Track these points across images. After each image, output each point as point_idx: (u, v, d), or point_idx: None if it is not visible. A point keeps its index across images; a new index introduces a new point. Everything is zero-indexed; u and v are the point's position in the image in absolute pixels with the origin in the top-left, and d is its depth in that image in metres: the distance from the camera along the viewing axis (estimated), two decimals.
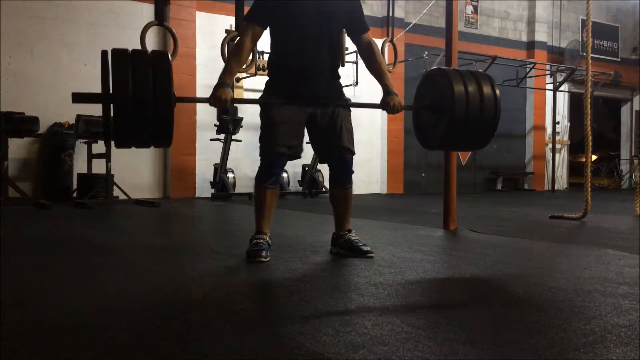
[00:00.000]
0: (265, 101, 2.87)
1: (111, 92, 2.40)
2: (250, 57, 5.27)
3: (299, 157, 2.92)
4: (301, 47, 2.79)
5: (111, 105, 2.41)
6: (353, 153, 2.94)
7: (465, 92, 2.78)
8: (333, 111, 2.87)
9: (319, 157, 3.14)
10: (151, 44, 5.25)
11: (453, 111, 2.77)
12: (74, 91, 2.54)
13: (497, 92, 2.86)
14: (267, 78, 2.97)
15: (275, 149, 2.81)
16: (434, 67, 3.15)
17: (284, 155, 2.84)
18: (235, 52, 2.83)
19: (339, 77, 2.98)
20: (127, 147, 2.56)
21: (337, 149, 2.90)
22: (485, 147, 3.03)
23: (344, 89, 3.03)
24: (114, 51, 2.46)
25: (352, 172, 2.98)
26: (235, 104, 7.55)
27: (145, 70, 2.42)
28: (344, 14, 2.87)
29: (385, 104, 2.87)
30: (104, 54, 2.45)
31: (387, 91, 2.89)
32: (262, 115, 2.89)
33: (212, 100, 2.73)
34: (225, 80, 2.74)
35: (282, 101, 2.81)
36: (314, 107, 2.84)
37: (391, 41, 5.43)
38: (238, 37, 2.85)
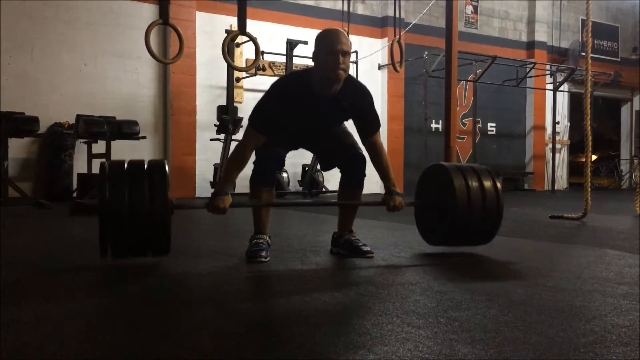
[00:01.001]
0: (262, 156, 2.86)
1: (107, 204, 2.40)
2: (254, 52, 5.25)
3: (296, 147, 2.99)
4: (301, 133, 2.91)
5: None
6: (362, 152, 2.96)
7: (466, 188, 2.84)
8: (334, 132, 2.95)
9: (325, 166, 3.14)
10: (153, 44, 5.23)
11: (456, 207, 2.83)
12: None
13: (499, 185, 2.91)
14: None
15: (271, 147, 2.82)
16: (434, 164, 3.19)
17: (278, 155, 2.86)
18: (236, 160, 2.76)
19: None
20: (124, 258, 2.57)
21: (347, 151, 2.93)
22: (491, 240, 3.05)
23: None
24: (111, 163, 2.50)
25: (365, 175, 3.00)
26: (234, 102, 7.57)
27: (141, 181, 2.44)
28: (355, 117, 2.86)
29: (387, 204, 2.93)
30: (102, 165, 2.48)
31: (389, 191, 2.94)
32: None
33: (211, 208, 2.72)
34: (225, 189, 2.72)
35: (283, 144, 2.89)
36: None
37: (398, 41, 5.43)
38: (239, 143, 2.81)
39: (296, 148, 3.06)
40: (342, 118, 2.89)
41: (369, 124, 2.88)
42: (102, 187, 2.42)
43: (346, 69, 2.66)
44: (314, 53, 2.71)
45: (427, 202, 3.09)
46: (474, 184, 2.86)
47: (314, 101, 2.72)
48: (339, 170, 3.01)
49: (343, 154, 2.94)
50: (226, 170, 2.84)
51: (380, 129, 2.96)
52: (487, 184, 2.88)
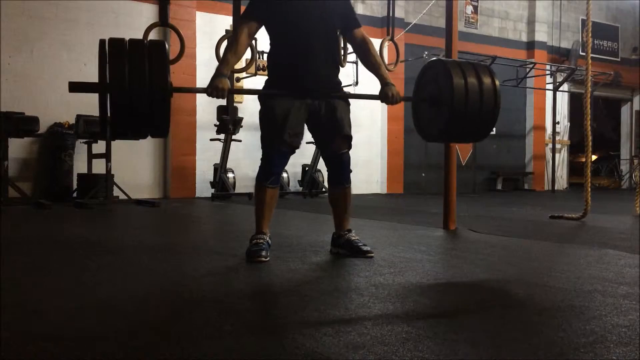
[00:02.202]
0: (264, 92, 2.87)
1: (108, 81, 2.39)
2: (250, 55, 5.27)
3: (298, 146, 2.90)
4: (297, 42, 2.81)
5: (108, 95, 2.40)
6: (350, 145, 2.93)
7: (464, 84, 2.77)
8: (333, 104, 2.89)
9: (320, 150, 3.13)
10: None
11: (452, 103, 2.77)
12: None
13: (497, 82, 2.86)
14: (267, 78, 2.98)
15: (276, 143, 2.81)
16: (433, 59, 3.14)
17: (285, 148, 2.83)
18: (231, 44, 2.83)
19: (337, 73, 3.00)
20: (123, 137, 2.55)
21: (337, 141, 2.90)
22: (485, 138, 3.01)
23: (344, 89, 3.04)
24: (111, 41, 2.45)
25: (350, 171, 2.99)
26: (234, 102, 7.57)
27: (142, 60, 2.41)
28: (336, 13, 2.89)
29: (384, 95, 2.89)
30: (102, 43, 2.43)
31: (384, 82, 2.90)
32: (261, 110, 2.91)
33: (210, 90, 2.73)
34: (222, 71, 2.75)
35: (282, 92, 2.82)
36: (313, 100, 2.85)
37: (392, 40, 5.41)
38: (233, 32, 2.84)
39: (302, 125, 2.91)
40: (329, 11, 2.85)
41: (352, 15, 2.95)
42: (102, 64, 2.38)
43: None
44: None
45: (424, 96, 3.01)
46: (472, 79, 2.81)
47: None
48: (326, 166, 3.01)
49: (331, 149, 2.92)
50: (224, 54, 2.86)
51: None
52: (486, 80, 2.84)
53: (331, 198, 3.04)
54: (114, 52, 2.42)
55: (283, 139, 2.80)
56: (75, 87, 2.52)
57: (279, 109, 2.80)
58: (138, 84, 2.38)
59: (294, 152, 2.90)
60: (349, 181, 2.99)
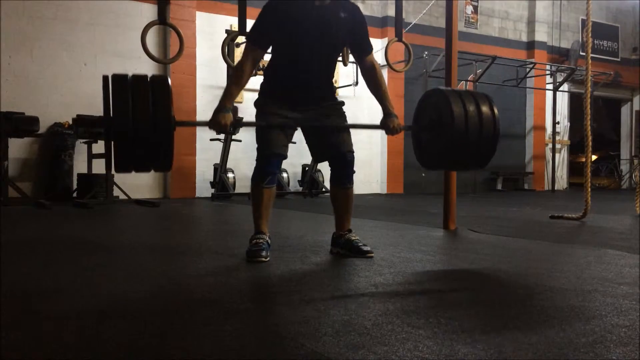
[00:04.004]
0: (262, 124, 2.87)
1: (112, 116, 2.39)
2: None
3: (285, 157, 2.93)
4: (299, 65, 2.82)
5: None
6: (353, 152, 2.96)
7: (464, 111, 2.79)
8: (328, 115, 2.92)
9: (316, 157, 3.14)
10: (152, 44, 5.23)
11: (452, 130, 2.78)
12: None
13: (496, 111, 2.87)
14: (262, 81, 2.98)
15: (273, 148, 2.83)
16: (432, 88, 3.16)
17: (280, 152, 2.86)
18: (236, 76, 2.81)
19: (334, 92, 3.05)
20: (127, 171, 2.55)
21: (338, 148, 2.91)
22: (485, 167, 3.02)
23: (344, 87, 3.05)
24: (114, 77, 2.47)
25: (354, 171, 2.99)
26: (235, 126, 7.57)
27: (145, 95, 2.42)
28: (348, 36, 2.88)
29: (385, 126, 2.91)
30: (105, 79, 2.45)
31: (387, 113, 2.92)
32: (257, 118, 2.93)
33: (212, 124, 2.73)
34: (226, 105, 2.73)
35: (278, 124, 2.84)
36: (308, 120, 2.89)
37: (401, 40, 5.39)
38: (239, 60, 2.85)
39: (293, 129, 2.99)
40: (340, 33, 2.84)
41: (365, 40, 2.92)
42: (106, 100, 2.40)
43: None
44: None
45: (423, 125, 3.02)
46: (472, 107, 2.81)
47: (312, 8, 2.73)
48: (329, 165, 3.01)
49: (334, 149, 2.93)
50: (227, 86, 2.85)
51: (380, 129, 2.96)
52: (485, 108, 2.85)
53: (333, 198, 3.04)
54: (117, 87, 2.43)
55: (277, 146, 2.84)
56: (82, 122, 2.56)
57: (272, 120, 2.84)
58: (141, 119, 2.39)
59: (285, 158, 2.93)
60: (351, 182, 2.99)
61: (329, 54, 2.89)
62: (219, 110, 2.71)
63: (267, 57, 3.01)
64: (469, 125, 2.77)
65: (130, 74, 2.51)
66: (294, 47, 2.80)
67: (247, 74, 2.80)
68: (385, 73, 9.74)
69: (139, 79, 2.48)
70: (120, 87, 2.42)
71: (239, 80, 2.78)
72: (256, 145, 2.91)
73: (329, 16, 2.77)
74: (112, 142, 2.41)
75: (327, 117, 2.91)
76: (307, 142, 3.03)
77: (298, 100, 2.86)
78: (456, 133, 2.77)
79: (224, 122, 2.69)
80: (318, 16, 2.75)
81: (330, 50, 2.88)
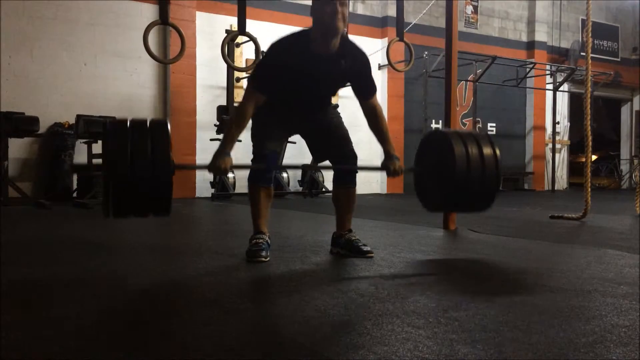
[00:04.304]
0: (257, 166, 2.88)
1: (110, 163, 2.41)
2: (251, 55, 5.26)
3: (279, 153, 3.01)
4: (295, 106, 2.88)
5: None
6: (356, 156, 2.98)
7: (466, 153, 2.81)
8: (328, 123, 2.95)
9: (317, 158, 3.14)
10: (152, 44, 5.21)
11: (455, 172, 2.79)
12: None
13: (498, 151, 2.88)
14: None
15: (268, 147, 2.85)
16: (433, 130, 3.19)
17: (275, 152, 2.87)
18: (237, 120, 2.79)
19: (330, 103, 3.07)
20: (124, 217, 2.57)
21: (341, 148, 2.94)
22: (489, 208, 3.01)
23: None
24: (113, 122, 2.51)
25: (357, 172, 3.00)
26: (233, 101, 7.57)
27: (144, 141, 2.42)
28: (352, 79, 2.88)
29: (387, 168, 2.90)
30: (104, 124, 2.49)
31: (388, 155, 2.92)
32: (254, 120, 2.92)
33: (212, 169, 2.72)
34: (226, 149, 2.72)
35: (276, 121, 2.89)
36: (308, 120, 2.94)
37: (402, 40, 5.39)
38: (240, 103, 2.87)
39: (290, 134, 3.06)
40: (340, 80, 2.88)
41: (368, 85, 2.91)
42: (105, 147, 2.42)
43: (345, 20, 2.66)
44: (311, 8, 2.72)
45: (426, 168, 3.03)
46: (474, 150, 2.82)
47: (313, 59, 2.73)
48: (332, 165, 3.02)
49: (336, 150, 2.93)
50: (228, 129, 2.85)
51: None
52: (487, 150, 2.86)
53: (335, 198, 3.04)
54: (116, 134, 2.44)
55: (273, 146, 2.87)
56: (78, 169, 2.58)
57: (267, 122, 2.88)
58: (140, 164, 2.39)
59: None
60: (354, 182, 3.00)
61: (327, 95, 2.96)
62: (220, 155, 2.70)
63: None
64: (471, 169, 2.80)
65: (129, 119, 2.52)
66: (292, 93, 2.84)
67: (249, 118, 2.80)
68: (385, 73, 9.77)
69: (138, 124, 2.49)
70: (119, 134, 2.44)
71: (241, 123, 2.77)
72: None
73: (330, 66, 2.76)
74: (111, 189, 2.41)
75: (325, 118, 2.92)
76: (307, 145, 3.03)
77: (295, 124, 2.96)
78: (459, 177, 2.79)
79: (224, 166, 2.69)
80: (317, 66, 2.75)
81: (327, 92, 2.96)
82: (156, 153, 2.42)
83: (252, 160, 2.89)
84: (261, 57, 2.82)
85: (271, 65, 2.77)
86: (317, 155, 3.10)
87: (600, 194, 9.92)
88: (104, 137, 2.45)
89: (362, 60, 2.85)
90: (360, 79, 2.88)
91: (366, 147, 9.88)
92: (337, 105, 3.02)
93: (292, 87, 2.81)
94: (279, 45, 2.76)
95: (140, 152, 2.39)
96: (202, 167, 2.80)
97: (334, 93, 2.99)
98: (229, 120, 2.96)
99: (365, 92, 2.90)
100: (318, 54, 2.72)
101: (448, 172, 2.82)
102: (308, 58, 2.72)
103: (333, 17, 2.61)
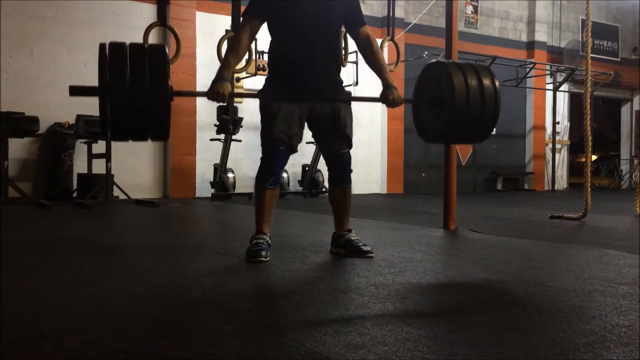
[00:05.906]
0: (264, 95, 2.86)
1: (108, 85, 2.38)
2: (247, 55, 5.26)
3: (296, 148, 2.88)
4: (298, 41, 2.80)
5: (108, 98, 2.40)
6: (351, 145, 2.94)
7: (465, 85, 2.77)
8: (333, 105, 2.89)
9: (321, 149, 3.12)
10: None
11: (453, 103, 2.76)
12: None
13: (497, 84, 2.86)
14: (266, 76, 2.98)
15: (275, 141, 2.79)
16: (433, 60, 3.14)
17: (283, 146, 2.80)
18: (233, 46, 2.82)
19: (339, 71, 2.99)
20: (123, 140, 2.55)
21: (335, 148, 2.90)
22: (485, 139, 3.01)
23: (344, 87, 3.03)
24: (111, 44, 2.45)
25: (351, 171, 2.99)
26: (234, 102, 7.57)
27: (142, 63, 2.40)
28: (341, 10, 2.87)
29: (385, 98, 2.87)
30: (102, 46, 2.43)
31: (386, 85, 2.89)
32: (261, 109, 2.89)
33: (211, 94, 2.70)
34: (224, 75, 2.73)
35: (281, 94, 2.81)
36: (313, 102, 2.84)
37: (392, 40, 5.40)
38: (235, 32, 2.85)
39: (298, 114, 2.87)
40: (332, 15, 2.83)
41: (357, 14, 2.91)
42: (102, 68, 2.38)
43: None
44: None
45: (424, 98, 2.99)
46: (473, 80, 2.80)
47: None
48: (326, 165, 3.02)
49: (331, 150, 2.92)
50: (225, 56, 2.84)
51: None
52: (486, 80, 2.84)
53: (331, 198, 3.04)
54: (114, 56, 2.41)
55: (281, 137, 2.79)
56: (76, 90, 2.51)
57: (275, 109, 2.80)
58: (138, 88, 2.37)
59: (293, 151, 2.89)
60: (349, 181, 2.99)
61: (328, 31, 2.86)
62: (218, 80, 2.70)
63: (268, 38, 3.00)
64: (470, 100, 2.76)
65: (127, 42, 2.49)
66: (290, 22, 2.80)
67: (245, 45, 2.82)
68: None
69: (136, 47, 2.46)
70: (117, 56, 2.40)
71: (237, 50, 2.79)
72: (259, 143, 2.88)
73: None
74: (109, 110, 2.37)
75: (335, 110, 2.88)
76: (313, 135, 3.01)
77: (303, 85, 2.82)
78: (457, 108, 2.75)
79: (222, 91, 2.68)
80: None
81: (328, 26, 2.85)
82: (154, 75, 2.40)
83: (261, 160, 2.87)
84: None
85: None
86: (322, 146, 3.06)
87: (600, 194, 9.92)
88: (101, 59, 2.37)
89: None
90: (350, 7, 2.89)
91: (366, 147, 9.94)
92: (350, 94, 2.99)
93: (287, 13, 2.78)
94: None
95: (139, 77, 2.36)
96: (201, 94, 2.78)
97: (332, 28, 2.88)
98: (226, 49, 2.93)
99: (357, 20, 2.91)
100: None
101: (446, 104, 2.80)
102: None
103: None
